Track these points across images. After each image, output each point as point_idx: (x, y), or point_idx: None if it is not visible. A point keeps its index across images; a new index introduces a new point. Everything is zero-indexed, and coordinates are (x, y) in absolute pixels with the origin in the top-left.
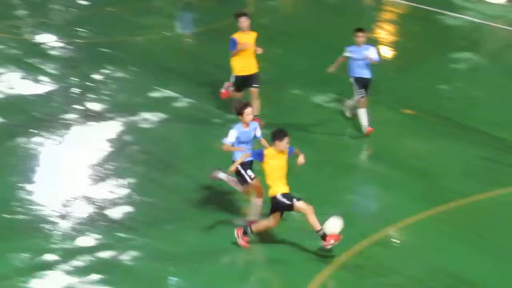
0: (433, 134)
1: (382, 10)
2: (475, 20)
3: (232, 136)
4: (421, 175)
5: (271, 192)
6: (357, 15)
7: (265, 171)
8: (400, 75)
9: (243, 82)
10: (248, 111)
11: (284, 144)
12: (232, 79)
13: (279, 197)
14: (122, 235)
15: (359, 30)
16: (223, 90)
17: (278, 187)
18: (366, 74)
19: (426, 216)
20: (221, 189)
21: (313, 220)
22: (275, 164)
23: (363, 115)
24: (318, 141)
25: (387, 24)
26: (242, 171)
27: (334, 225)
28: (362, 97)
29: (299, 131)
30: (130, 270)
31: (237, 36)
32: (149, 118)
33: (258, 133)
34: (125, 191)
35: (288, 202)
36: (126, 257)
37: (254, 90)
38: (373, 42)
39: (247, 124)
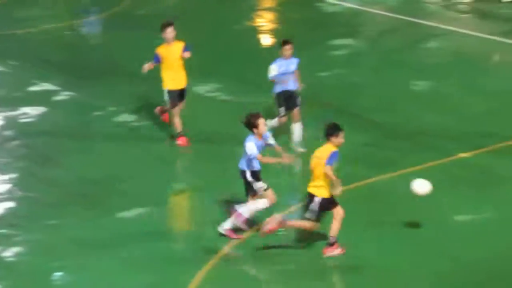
0: (315, 122)
1: None
2: (354, 6)
3: (253, 148)
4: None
5: (323, 193)
6: (237, 2)
7: (318, 170)
8: None
9: (177, 96)
10: (262, 121)
11: (340, 139)
12: (166, 96)
13: (328, 200)
14: (3, 231)
15: (287, 42)
16: (162, 116)
17: (327, 189)
18: (291, 86)
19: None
20: (100, 181)
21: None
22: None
23: (297, 130)
24: (200, 131)
25: (267, 11)
26: (256, 182)
27: (422, 186)
28: (296, 109)
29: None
30: (13, 266)
31: (160, 50)
32: (29, 112)
33: (272, 140)
34: (6, 187)
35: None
36: (9, 253)
37: (180, 104)
38: (254, 30)
39: (261, 136)
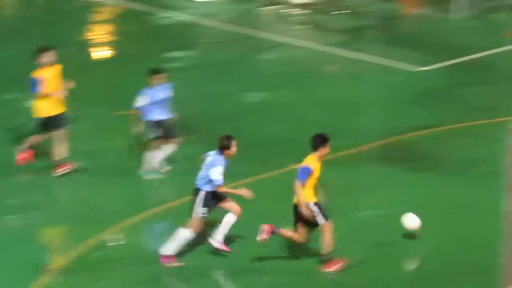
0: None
1: (94, 10)
2: (189, 19)
3: (221, 173)
4: (136, 176)
5: (311, 199)
6: (71, 16)
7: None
8: (116, 75)
9: (49, 124)
10: (235, 143)
11: (327, 150)
12: (37, 123)
13: (311, 205)
14: None
15: (160, 71)
16: (21, 153)
17: (311, 195)
18: (167, 114)
19: (143, 217)
20: None
21: (329, 241)
22: (317, 173)
23: (163, 153)
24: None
25: (101, 24)
26: (201, 206)
27: (412, 221)
28: (171, 138)
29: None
30: None
31: (38, 74)
32: None
33: None
34: None
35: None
36: None
37: (63, 131)
38: (88, 43)
39: (230, 157)
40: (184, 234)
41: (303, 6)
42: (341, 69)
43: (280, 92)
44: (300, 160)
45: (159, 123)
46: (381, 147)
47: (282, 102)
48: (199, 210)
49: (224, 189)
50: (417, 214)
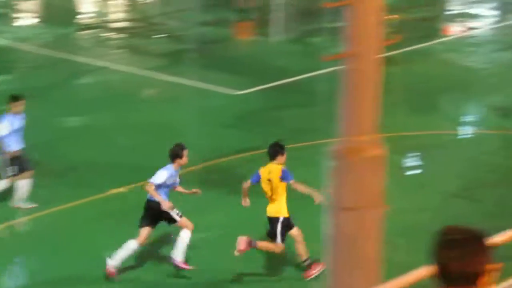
0: None
1: None
2: (5, 43)
3: (162, 177)
4: None
5: (283, 213)
6: None
7: (279, 190)
8: None
9: None
10: (187, 152)
11: (285, 158)
12: None
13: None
14: None
15: (20, 97)
16: None
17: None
18: (22, 143)
19: None
20: None
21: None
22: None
23: (25, 187)
24: None
25: None
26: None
27: None
28: (26, 170)
29: None
30: None
31: None
32: None
33: (177, 178)
34: None
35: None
36: None
37: None
38: None
39: (179, 167)
40: (186, 238)
41: (121, 30)
42: (159, 93)
43: (96, 116)
44: (119, 184)
45: (16, 154)
46: (200, 171)
47: (98, 127)
48: (176, 212)
49: (152, 191)
50: (234, 238)
